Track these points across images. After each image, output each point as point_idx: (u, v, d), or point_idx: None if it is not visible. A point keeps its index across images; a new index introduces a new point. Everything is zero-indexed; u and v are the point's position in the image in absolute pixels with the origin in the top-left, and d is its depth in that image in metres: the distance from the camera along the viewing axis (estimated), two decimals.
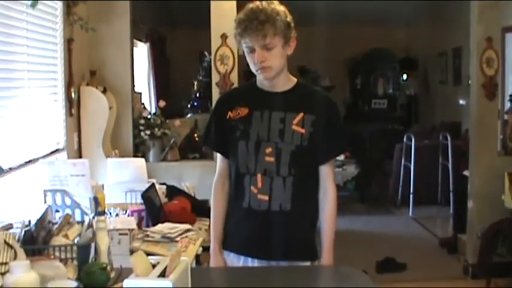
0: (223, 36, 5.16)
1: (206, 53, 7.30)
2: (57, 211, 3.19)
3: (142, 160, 3.81)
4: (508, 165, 5.32)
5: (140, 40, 7.63)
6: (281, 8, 2.50)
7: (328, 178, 2.62)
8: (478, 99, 5.43)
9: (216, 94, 5.21)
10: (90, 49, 4.85)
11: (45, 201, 3.23)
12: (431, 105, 10.25)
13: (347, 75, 10.99)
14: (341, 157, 8.33)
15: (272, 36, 2.44)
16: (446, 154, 7.96)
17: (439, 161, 8.13)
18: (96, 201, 2.79)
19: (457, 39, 8.46)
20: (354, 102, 11.00)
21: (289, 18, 2.50)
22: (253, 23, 2.41)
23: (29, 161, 3.58)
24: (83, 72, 4.68)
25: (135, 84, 6.11)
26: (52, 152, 4.05)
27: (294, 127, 2.53)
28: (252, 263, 2.58)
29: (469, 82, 5.92)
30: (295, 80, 2.65)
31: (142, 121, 5.14)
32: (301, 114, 2.54)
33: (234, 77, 5.23)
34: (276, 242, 2.54)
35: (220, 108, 2.69)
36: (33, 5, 3.51)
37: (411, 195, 8.02)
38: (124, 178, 3.66)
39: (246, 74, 9.20)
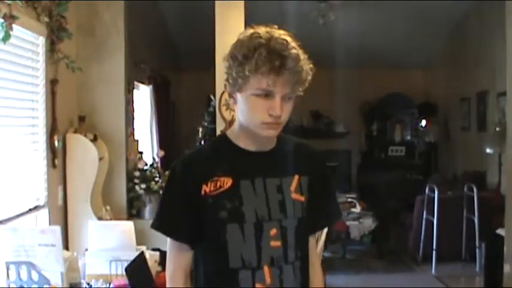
0: None
1: (212, 97, 6.81)
2: None
3: (131, 223, 3.24)
4: None
5: (142, 82, 7.18)
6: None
7: (315, 251, 2.11)
8: None
9: None
10: (79, 92, 4.33)
11: (7, 276, 2.68)
12: (452, 154, 9.82)
13: (363, 120, 10.67)
14: (357, 209, 7.85)
15: (299, 85, 1.83)
16: (471, 207, 7.37)
17: (463, 214, 7.55)
18: None
19: (481, 83, 8.10)
20: (369, 149, 10.81)
21: None
22: (288, 62, 1.78)
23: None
24: (70, 118, 4.16)
25: (134, 130, 5.61)
26: (31, 210, 3.55)
27: (294, 195, 1.93)
28: None
29: (497, 129, 5.40)
30: None
31: (137, 173, 4.59)
32: (297, 177, 1.96)
33: None
34: None
35: (187, 181, 1.92)
36: (4, 39, 2.98)
37: (434, 252, 7.41)
38: (109, 244, 3.11)
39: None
